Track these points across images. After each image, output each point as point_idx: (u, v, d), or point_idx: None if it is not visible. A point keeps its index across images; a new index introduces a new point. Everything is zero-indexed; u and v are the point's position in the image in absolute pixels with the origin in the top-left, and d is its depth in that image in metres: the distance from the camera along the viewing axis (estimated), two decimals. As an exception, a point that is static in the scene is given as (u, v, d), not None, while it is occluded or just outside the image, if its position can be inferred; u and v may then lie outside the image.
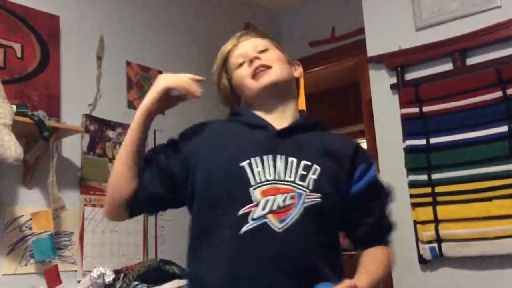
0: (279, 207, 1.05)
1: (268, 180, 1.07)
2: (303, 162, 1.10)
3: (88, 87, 2.34)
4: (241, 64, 1.22)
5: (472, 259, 1.88)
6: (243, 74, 1.21)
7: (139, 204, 1.16)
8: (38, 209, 1.99)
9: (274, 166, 1.09)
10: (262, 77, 1.17)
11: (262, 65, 1.18)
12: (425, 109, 1.99)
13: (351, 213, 1.15)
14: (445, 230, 1.87)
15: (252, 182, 1.07)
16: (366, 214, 1.16)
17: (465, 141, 1.89)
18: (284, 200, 1.06)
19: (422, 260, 1.95)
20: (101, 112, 2.36)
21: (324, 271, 1.07)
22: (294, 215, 1.06)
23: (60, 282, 1.74)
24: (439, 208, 1.89)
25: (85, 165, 2.24)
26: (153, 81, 1.24)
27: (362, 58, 2.50)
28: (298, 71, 1.27)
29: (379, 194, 1.19)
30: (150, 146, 2.48)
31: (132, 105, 2.51)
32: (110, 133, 2.37)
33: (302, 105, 3.58)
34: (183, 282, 1.95)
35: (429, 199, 1.92)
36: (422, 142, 1.96)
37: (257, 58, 1.19)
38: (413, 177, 1.97)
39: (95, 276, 1.87)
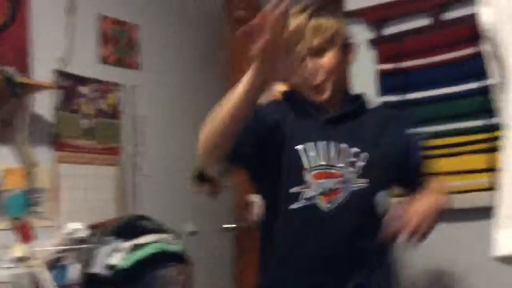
0: (329, 190, 1.16)
1: (321, 165, 1.17)
2: (353, 149, 1.19)
3: (59, 42, 2.28)
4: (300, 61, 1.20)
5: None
6: (299, 76, 1.21)
7: (237, 158, 1.18)
8: (10, 166, 1.97)
9: (327, 152, 1.18)
10: (317, 93, 1.21)
11: (316, 85, 1.20)
12: (403, 64, 1.98)
13: (405, 180, 1.28)
14: (416, 185, 1.90)
15: (306, 165, 1.16)
16: (418, 174, 1.28)
17: (439, 97, 1.90)
18: (334, 184, 1.16)
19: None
20: (74, 67, 2.30)
21: (367, 251, 1.18)
22: (341, 198, 1.16)
23: (34, 238, 1.75)
24: (411, 164, 1.91)
25: (58, 122, 2.21)
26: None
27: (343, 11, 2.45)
28: (352, 56, 1.26)
29: (422, 169, 1.29)
30: (127, 101, 2.48)
31: (106, 60, 2.45)
32: (83, 89, 2.33)
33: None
34: (157, 236, 1.97)
35: (402, 155, 1.93)
36: (399, 97, 1.96)
37: (312, 75, 1.19)
38: (387, 133, 1.98)
39: (69, 231, 1.87)
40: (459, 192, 1.82)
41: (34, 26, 2.17)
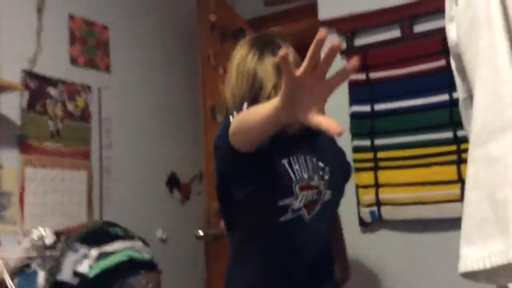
0: (310, 201, 1.24)
1: (303, 178, 1.23)
2: (320, 163, 1.29)
3: (27, 42, 2.22)
4: None
5: (409, 223, 1.95)
6: None
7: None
8: (-27, 169, 1.90)
9: (306, 165, 1.26)
10: None
11: None
12: (372, 75, 2.01)
13: None
14: (385, 194, 1.93)
15: (293, 178, 1.22)
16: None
17: (408, 108, 1.94)
18: (313, 195, 1.24)
19: (362, 223, 2.02)
20: (42, 68, 2.24)
21: (330, 252, 1.37)
22: (317, 208, 1.26)
23: (-2, 244, 1.69)
24: (380, 173, 1.95)
25: (24, 123, 2.14)
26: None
27: (317, 20, 2.47)
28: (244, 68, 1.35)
29: None
30: (96, 103, 2.43)
31: (75, 61, 2.40)
32: (52, 90, 2.27)
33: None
34: (126, 243, 1.95)
35: (371, 164, 1.96)
36: (367, 108, 1.99)
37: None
38: (357, 142, 2.01)
39: (35, 238, 1.82)
40: (430, 202, 1.86)
41: (2, 25, 2.11)
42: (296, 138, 1.27)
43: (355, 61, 0.79)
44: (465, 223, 0.82)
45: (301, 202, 1.22)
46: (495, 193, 0.77)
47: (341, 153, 1.51)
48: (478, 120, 0.82)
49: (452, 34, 0.93)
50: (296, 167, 1.23)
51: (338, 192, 1.35)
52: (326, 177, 1.29)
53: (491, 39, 0.81)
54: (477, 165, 0.81)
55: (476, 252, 0.79)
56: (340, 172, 1.39)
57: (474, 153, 0.83)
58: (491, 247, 0.76)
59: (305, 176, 1.24)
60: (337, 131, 0.76)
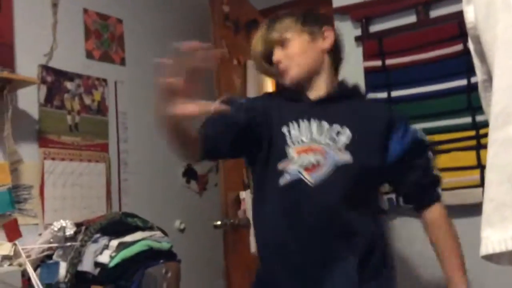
0: (310, 164, 1.20)
1: (302, 141, 1.23)
2: (335, 126, 1.26)
3: (43, 36, 2.25)
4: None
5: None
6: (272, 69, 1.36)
7: (212, 155, 1.32)
8: (-6, 163, 1.94)
9: (309, 129, 1.25)
10: (284, 77, 1.33)
11: (282, 71, 1.33)
12: (388, 62, 1.98)
13: (393, 172, 1.31)
14: (403, 182, 1.91)
15: (289, 142, 1.24)
16: (408, 173, 1.31)
17: (426, 94, 1.91)
18: (315, 158, 1.21)
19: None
20: (58, 62, 2.27)
21: (353, 226, 1.22)
22: (324, 172, 1.21)
23: (20, 235, 1.72)
24: (398, 160, 1.93)
25: (42, 118, 2.17)
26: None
27: (332, 8, 2.46)
28: (327, 41, 1.36)
29: (421, 152, 1.32)
30: (112, 96, 2.45)
31: (90, 55, 2.43)
32: (68, 85, 2.30)
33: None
34: (145, 234, 1.97)
35: (389, 151, 1.94)
36: (384, 95, 1.97)
37: (276, 63, 1.33)
38: (374, 130, 1.99)
39: (56, 229, 1.85)
40: (450, 189, 1.84)
41: (18, 21, 2.13)
42: (312, 105, 1.31)
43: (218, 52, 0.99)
44: (486, 206, 0.82)
45: (298, 164, 1.22)
46: (516, 175, 0.76)
47: (379, 117, 1.32)
48: (498, 103, 0.81)
49: (470, 16, 0.92)
50: (294, 131, 1.25)
51: (362, 157, 1.24)
52: (344, 139, 1.25)
53: (509, 22, 0.79)
54: (497, 147, 0.80)
55: (497, 235, 0.78)
56: (372, 138, 1.28)
57: (494, 136, 0.82)
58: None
59: (304, 139, 1.24)
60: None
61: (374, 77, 2.02)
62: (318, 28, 1.36)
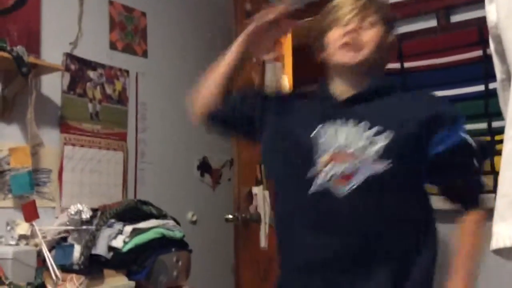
0: (342, 174, 1.10)
1: (333, 148, 1.12)
2: (370, 130, 1.12)
3: (69, 26, 2.30)
4: (341, 24, 1.21)
5: (443, 213, 1.93)
6: (334, 37, 1.21)
7: (220, 115, 1.35)
8: (16, 145, 1.99)
9: (342, 133, 1.14)
10: (348, 54, 1.19)
11: (354, 43, 1.18)
12: (406, 65, 2.00)
13: (435, 174, 1.18)
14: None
15: (318, 148, 1.13)
16: (451, 176, 1.19)
17: (443, 99, 1.92)
18: (346, 167, 1.10)
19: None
20: (83, 51, 2.32)
21: (386, 238, 1.11)
22: (356, 182, 1.09)
23: (37, 217, 1.77)
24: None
25: (65, 104, 2.23)
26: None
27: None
28: (390, 44, 1.26)
29: (465, 155, 1.17)
30: (133, 87, 2.50)
31: (114, 46, 2.48)
32: (91, 74, 2.35)
33: (288, 56, 3.55)
34: (158, 222, 2.00)
35: (403, 154, 1.96)
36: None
37: (355, 31, 1.18)
38: (389, 132, 2.00)
39: (73, 212, 1.90)
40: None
41: (45, 10, 2.19)
42: (343, 105, 1.19)
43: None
44: (498, 201, 0.83)
45: (327, 175, 1.11)
46: (529, 172, 0.77)
47: (420, 115, 1.15)
48: (515, 101, 0.82)
49: (492, 15, 0.93)
50: (323, 138, 1.14)
51: (404, 161, 1.10)
52: (381, 144, 1.09)
53: None
54: (512, 144, 0.82)
55: (508, 230, 0.80)
56: (409, 138, 1.13)
57: (510, 133, 0.84)
58: None
59: (336, 145, 1.12)
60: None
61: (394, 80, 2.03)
62: (391, 26, 1.26)
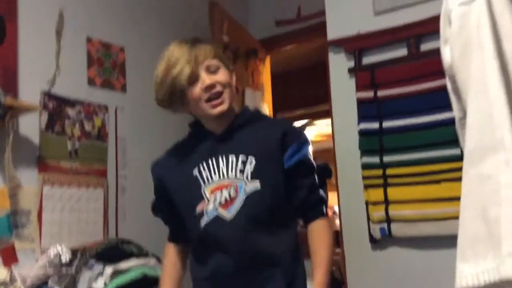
0: (225, 200, 1.26)
1: (213, 180, 1.28)
2: (240, 157, 1.29)
3: (47, 63, 2.31)
4: (194, 81, 1.31)
5: (419, 239, 1.96)
6: (198, 95, 1.31)
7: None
8: (-6, 188, 1.97)
9: (218, 166, 1.30)
10: (216, 107, 1.31)
11: (216, 93, 1.30)
12: (379, 93, 2.04)
13: (288, 188, 1.32)
14: (395, 211, 1.94)
15: (202, 183, 1.29)
16: (297, 189, 1.31)
17: (416, 126, 1.96)
18: (228, 193, 1.27)
19: (372, 240, 2.03)
20: (61, 88, 2.32)
21: (270, 249, 1.27)
22: (238, 204, 1.26)
23: (16, 261, 1.75)
24: (390, 190, 1.96)
25: (43, 143, 2.22)
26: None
27: (325, 41, 2.52)
28: (233, 80, 1.37)
29: (308, 171, 1.32)
30: (112, 123, 2.49)
31: (92, 82, 2.48)
32: (70, 111, 2.35)
33: (268, 85, 3.57)
34: (140, 261, 1.99)
35: (381, 181, 1.98)
36: (376, 125, 2.02)
37: (211, 86, 1.30)
38: (366, 159, 2.03)
39: (52, 256, 1.88)
40: (439, 219, 1.86)
41: (22, 48, 2.20)
42: (218, 141, 1.33)
43: None
44: (460, 240, 0.85)
45: (215, 203, 1.26)
46: (488, 211, 0.79)
47: (275, 136, 1.33)
48: (471, 140, 0.85)
49: (446, 56, 0.96)
50: (205, 172, 1.30)
51: (269, 181, 1.28)
52: (250, 168, 1.27)
53: (482, 62, 0.84)
54: (470, 183, 0.84)
55: (470, 268, 0.81)
56: (270, 157, 1.31)
57: (468, 172, 0.86)
58: (485, 263, 0.78)
59: (215, 177, 1.28)
60: None
61: (366, 108, 2.07)
62: (230, 64, 1.40)
